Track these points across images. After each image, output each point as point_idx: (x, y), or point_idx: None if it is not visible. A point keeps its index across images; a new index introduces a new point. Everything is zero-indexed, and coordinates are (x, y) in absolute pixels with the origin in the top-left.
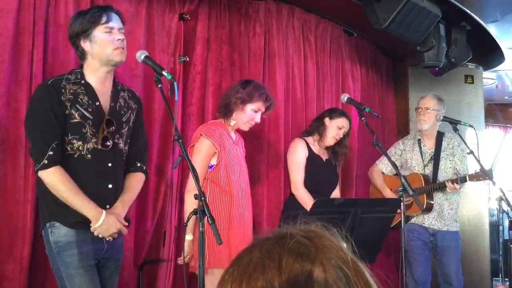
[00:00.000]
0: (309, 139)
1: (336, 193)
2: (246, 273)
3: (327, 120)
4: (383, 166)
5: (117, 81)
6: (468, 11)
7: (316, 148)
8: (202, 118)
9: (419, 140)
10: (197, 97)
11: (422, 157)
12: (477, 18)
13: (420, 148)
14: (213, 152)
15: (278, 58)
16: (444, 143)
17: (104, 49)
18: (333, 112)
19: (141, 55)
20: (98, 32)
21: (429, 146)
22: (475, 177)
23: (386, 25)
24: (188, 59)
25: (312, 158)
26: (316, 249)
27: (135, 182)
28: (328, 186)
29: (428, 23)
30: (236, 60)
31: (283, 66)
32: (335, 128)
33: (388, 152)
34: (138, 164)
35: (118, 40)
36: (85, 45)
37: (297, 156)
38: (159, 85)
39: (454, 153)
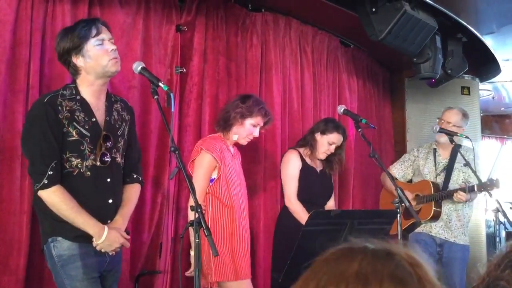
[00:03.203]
0: (302, 150)
1: (330, 204)
2: (344, 278)
3: (318, 135)
4: (396, 171)
5: (110, 92)
6: (464, 23)
7: (309, 159)
8: (199, 129)
9: (434, 149)
10: (194, 108)
11: (435, 166)
12: (473, 30)
13: (435, 157)
14: (214, 166)
15: (275, 69)
16: (459, 155)
17: (99, 62)
18: (326, 126)
19: (137, 66)
20: (90, 46)
21: (444, 156)
22: (484, 187)
23: (382, 37)
24: (185, 70)
25: (306, 169)
26: (419, 282)
27: (133, 193)
28: (322, 197)
29: (424, 35)
30: (233, 71)
31: (280, 78)
32: (325, 144)
33: (402, 158)
34: (135, 176)
35: (111, 50)
36: (78, 61)
37: (290, 169)
38: (155, 97)
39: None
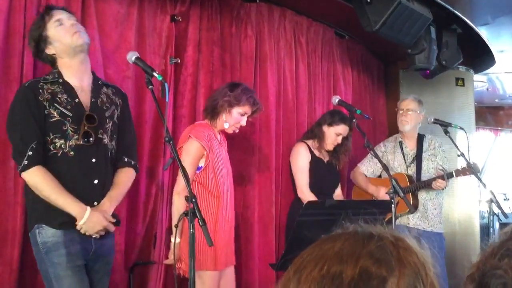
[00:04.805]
0: (310, 142)
1: (338, 193)
2: (324, 258)
3: (325, 127)
4: (365, 168)
5: (98, 77)
6: (459, 14)
7: (317, 151)
8: (193, 120)
9: (400, 142)
10: (188, 99)
11: (404, 158)
12: (468, 21)
13: (402, 149)
14: (202, 154)
15: (270, 60)
16: (425, 144)
17: (63, 41)
18: (332, 118)
19: (132, 56)
20: (50, 31)
21: (410, 147)
22: (462, 172)
23: (377, 28)
24: (179, 61)
25: (315, 161)
26: (398, 261)
27: (123, 177)
28: (331, 187)
29: (419, 26)
30: (227, 62)
31: (275, 69)
32: (333, 135)
33: (369, 154)
34: (126, 159)
35: (70, 25)
36: (49, 49)
37: (301, 161)
38: (149, 87)
39: (435, 154)
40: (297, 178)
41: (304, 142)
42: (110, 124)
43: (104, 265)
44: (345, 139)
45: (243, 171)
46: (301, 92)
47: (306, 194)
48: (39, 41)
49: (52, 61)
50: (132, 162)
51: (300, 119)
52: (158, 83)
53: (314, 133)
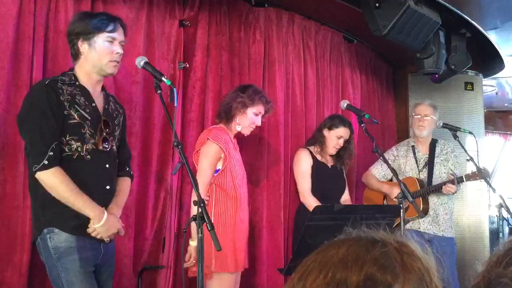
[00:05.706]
0: (312, 148)
1: (345, 198)
2: (328, 264)
3: (325, 131)
4: (376, 171)
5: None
6: (468, 18)
7: (320, 156)
8: (202, 125)
9: (412, 146)
10: (197, 104)
11: (416, 162)
12: (477, 25)
13: (414, 154)
14: (220, 156)
15: (278, 64)
16: (437, 149)
17: (100, 58)
18: (332, 122)
19: (140, 61)
20: (100, 39)
21: (423, 152)
22: (472, 176)
23: (386, 32)
24: (188, 65)
25: (317, 166)
26: (403, 267)
27: (126, 186)
28: (336, 191)
29: (428, 30)
30: (236, 66)
31: (283, 73)
32: (334, 139)
33: (379, 159)
34: (127, 169)
35: (116, 53)
36: (82, 46)
37: (302, 166)
38: (158, 91)
39: (448, 159)
40: (299, 183)
41: (306, 148)
42: (118, 132)
43: (109, 267)
44: (347, 142)
45: (251, 175)
46: (309, 96)
47: (308, 199)
48: (84, 34)
49: (75, 53)
50: (131, 173)
51: (309, 123)
52: (167, 87)
53: (316, 138)
